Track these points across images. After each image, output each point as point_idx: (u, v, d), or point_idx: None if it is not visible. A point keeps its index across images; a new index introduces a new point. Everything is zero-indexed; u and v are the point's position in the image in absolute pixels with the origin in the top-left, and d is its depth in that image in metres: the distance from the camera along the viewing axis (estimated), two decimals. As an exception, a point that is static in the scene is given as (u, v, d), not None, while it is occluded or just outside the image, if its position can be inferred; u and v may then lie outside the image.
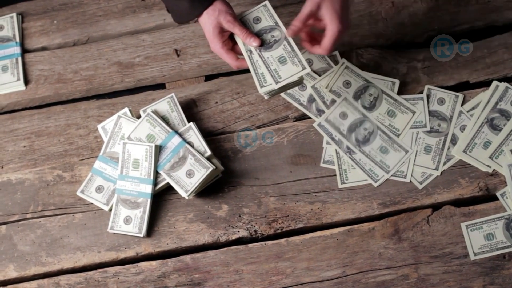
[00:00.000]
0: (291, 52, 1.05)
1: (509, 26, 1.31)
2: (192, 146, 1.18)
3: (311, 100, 1.25)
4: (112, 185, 1.19)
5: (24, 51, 1.36)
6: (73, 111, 1.30)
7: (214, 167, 1.16)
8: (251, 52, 1.07)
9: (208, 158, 1.17)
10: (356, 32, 1.31)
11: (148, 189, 1.16)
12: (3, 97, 1.32)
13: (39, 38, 1.37)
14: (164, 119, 1.22)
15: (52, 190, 1.22)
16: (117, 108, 1.28)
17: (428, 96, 1.23)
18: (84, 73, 1.33)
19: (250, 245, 1.16)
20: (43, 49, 1.37)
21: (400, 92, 1.24)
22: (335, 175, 1.20)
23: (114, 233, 1.17)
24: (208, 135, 1.24)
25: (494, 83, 1.22)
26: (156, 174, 1.18)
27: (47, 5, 1.40)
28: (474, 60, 1.27)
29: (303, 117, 1.25)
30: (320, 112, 1.24)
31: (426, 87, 1.24)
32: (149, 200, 1.16)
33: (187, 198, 1.16)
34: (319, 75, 1.25)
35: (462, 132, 1.20)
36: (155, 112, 1.22)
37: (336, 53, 1.27)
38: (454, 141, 1.20)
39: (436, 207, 1.17)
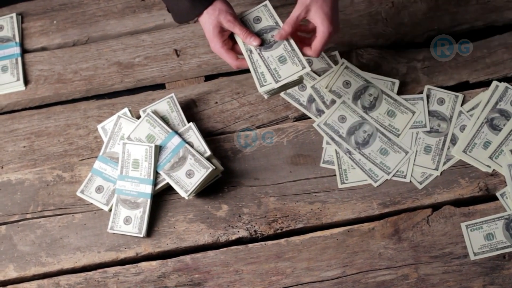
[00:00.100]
0: (291, 51, 1.05)
1: (509, 26, 1.31)
2: (192, 146, 1.18)
3: (311, 100, 1.25)
4: (112, 185, 1.19)
5: (24, 51, 1.36)
6: (73, 111, 1.30)
7: (214, 167, 1.16)
8: (251, 51, 1.07)
9: (208, 158, 1.17)
10: (355, 32, 1.31)
11: (148, 189, 1.16)
12: (3, 97, 1.32)
13: (39, 38, 1.37)
14: (164, 119, 1.22)
15: (52, 190, 1.22)
16: (117, 108, 1.28)
17: (428, 96, 1.23)
18: (83, 73, 1.33)
19: (250, 245, 1.16)
20: (43, 49, 1.37)
21: (400, 92, 1.24)
22: (335, 175, 1.20)
23: (114, 233, 1.17)
24: (208, 135, 1.24)
25: (494, 83, 1.22)
26: (156, 174, 1.18)
27: (46, 5, 1.40)
28: (474, 60, 1.27)
29: (303, 117, 1.25)
30: (320, 112, 1.24)
31: (426, 87, 1.24)
32: (149, 200, 1.16)
33: (187, 198, 1.16)
34: (319, 75, 1.25)
35: (462, 132, 1.20)
36: (155, 112, 1.22)
37: (336, 53, 1.27)
38: (454, 141, 1.20)
39: (436, 207, 1.17)
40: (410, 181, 1.18)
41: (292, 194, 1.19)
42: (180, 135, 1.19)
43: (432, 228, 1.15)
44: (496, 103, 1.20)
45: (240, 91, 1.28)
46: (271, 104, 1.26)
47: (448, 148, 1.20)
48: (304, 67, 1.03)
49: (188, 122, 1.21)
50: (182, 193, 1.15)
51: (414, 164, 1.19)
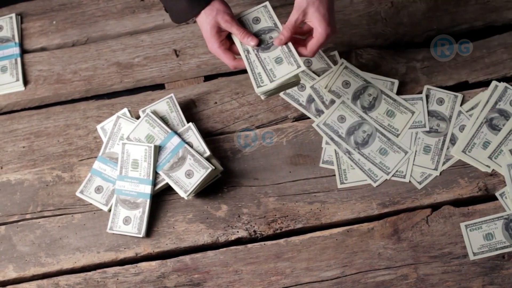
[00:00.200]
0: (288, 52, 1.05)
1: (508, 26, 1.31)
2: (191, 147, 1.18)
3: (310, 100, 1.25)
4: (111, 186, 1.19)
5: (23, 51, 1.36)
6: (72, 111, 1.30)
7: (213, 167, 1.16)
8: (248, 52, 1.07)
9: (207, 159, 1.17)
10: (355, 32, 1.31)
11: (147, 189, 1.16)
12: (2, 98, 1.32)
13: (38, 38, 1.37)
14: (163, 120, 1.22)
15: (51, 191, 1.22)
16: (116, 109, 1.28)
17: (427, 96, 1.23)
18: (83, 74, 1.33)
19: (249, 245, 1.16)
20: (42, 49, 1.37)
21: (399, 92, 1.24)
22: (334, 175, 1.20)
23: (114, 233, 1.17)
24: (207, 135, 1.24)
25: (493, 83, 1.22)
26: (156, 174, 1.18)
27: (46, 5, 1.40)
28: (473, 60, 1.27)
29: (302, 117, 1.25)
30: (319, 112, 1.24)
31: (425, 87, 1.24)
32: (148, 201, 1.16)
33: (186, 198, 1.16)
34: (318, 75, 1.25)
35: (461, 132, 1.20)
36: (154, 113, 1.22)
37: (335, 53, 1.27)
38: (453, 141, 1.20)
39: (435, 207, 1.17)
40: (410, 181, 1.18)
41: (292, 194, 1.19)
42: (179, 135, 1.19)
43: (432, 228, 1.15)
44: (496, 103, 1.20)
45: (240, 91, 1.28)
46: (270, 104, 1.26)
47: (448, 148, 1.20)
48: (299, 66, 1.03)
49: (188, 122, 1.21)
50: (182, 193, 1.15)
51: (413, 164, 1.19)
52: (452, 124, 1.21)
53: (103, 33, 1.37)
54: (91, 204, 1.20)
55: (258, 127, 1.25)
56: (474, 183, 1.17)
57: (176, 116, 1.22)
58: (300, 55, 1.05)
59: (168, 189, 1.19)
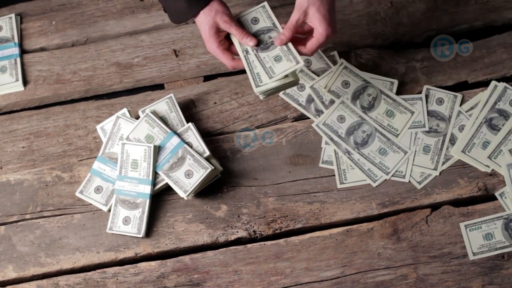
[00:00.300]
0: (287, 51, 1.05)
1: (508, 26, 1.31)
2: (191, 147, 1.18)
3: (309, 100, 1.25)
4: (111, 186, 1.19)
5: (23, 51, 1.36)
6: (72, 111, 1.30)
7: (213, 167, 1.16)
8: (247, 52, 1.07)
9: (207, 159, 1.17)
10: (354, 32, 1.31)
11: (147, 189, 1.16)
12: (2, 98, 1.33)
13: (38, 38, 1.37)
14: (163, 120, 1.22)
15: (51, 191, 1.22)
16: (116, 109, 1.28)
17: (426, 96, 1.23)
18: (82, 74, 1.33)
19: (249, 246, 1.16)
20: (42, 49, 1.37)
21: (398, 92, 1.24)
22: (334, 175, 1.20)
23: (113, 233, 1.17)
24: (207, 135, 1.24)
25: (493, 83, 1.22)
26: (155, 174, 1.18)
27: (45, 5, 1.40)
28: (473, 60, 1.27)
29: (302, 117, 1.25)
30: (319, 112, 1.24)
31: (425, 87, 1.24)
32: (148, 201, 1.16)
33: (186, 198, 1.16)
34: (318, 75, 1.25)
35: (461, 132, 1.20)
36: (154, 113, 1.22)
37: (335, 53, 1.27)
38: (453, 141, 1.20)
39: (435, 207, 1.17)
40: (409, 181, 1.18)
41: (291, 194, 1.19)
42: (179, 135, 1.19)
43: (431, 228, 1.15)
44: (495, 103, 1.20)
45: (239, 91, 1.28)
46: (270, 104, 1.26)
47: (447, 148, 1.20)
48: (298, 62, 1.03)
49: (187, 122, 1.21)
50: (181, 194, 1.15)
51: (413, 164, 1.19)
52: (452, 124, 1.21)
53: (102, 33, 1.37)
54: (90, 204, 1.20)
55: (257, 127, 1.25)
56: (474, 183, 1.17)
57: (176, 116, 1.22)
58: (299, 53, 1.05)
59: (167, 189, 1.19)
